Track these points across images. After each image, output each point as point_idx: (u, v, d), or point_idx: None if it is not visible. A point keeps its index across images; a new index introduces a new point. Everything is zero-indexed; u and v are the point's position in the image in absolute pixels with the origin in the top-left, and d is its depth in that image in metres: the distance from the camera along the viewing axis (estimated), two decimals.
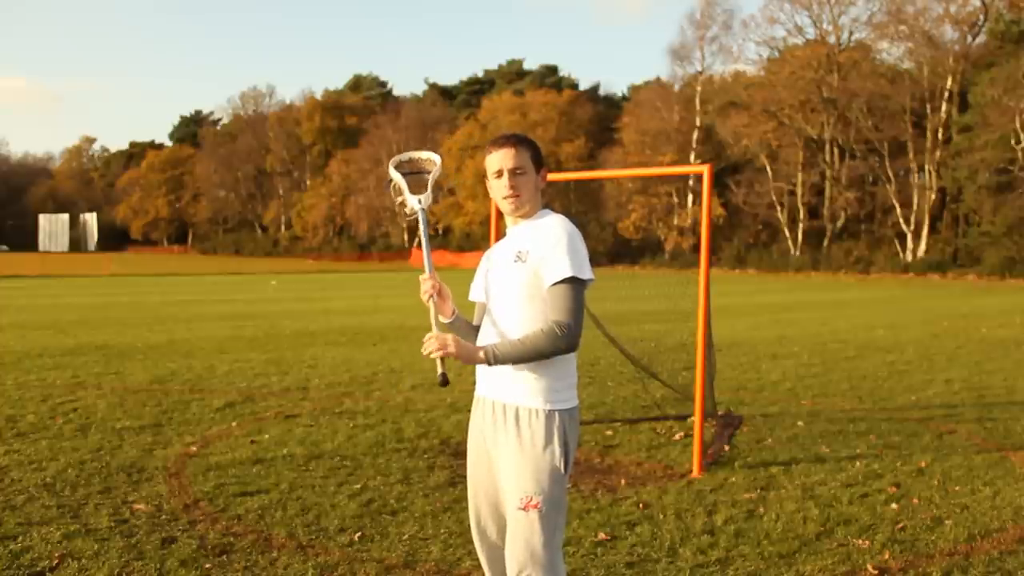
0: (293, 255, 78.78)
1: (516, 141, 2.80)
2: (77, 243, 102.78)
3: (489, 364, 2.65)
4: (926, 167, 49.11)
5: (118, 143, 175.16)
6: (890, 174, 49.87)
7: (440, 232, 72.70)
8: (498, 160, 2.77)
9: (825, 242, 52.08)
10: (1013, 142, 42.98)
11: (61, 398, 7.94)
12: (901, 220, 49.53)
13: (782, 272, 49.91)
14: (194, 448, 6.10)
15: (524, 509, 2.62)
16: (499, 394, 2.74)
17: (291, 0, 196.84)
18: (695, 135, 57.16)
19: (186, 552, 4.06)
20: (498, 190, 2.79)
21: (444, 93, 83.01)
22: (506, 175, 2.75)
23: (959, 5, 48.42)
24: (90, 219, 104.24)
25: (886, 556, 4.16)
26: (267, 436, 6.52)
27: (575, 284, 2.62)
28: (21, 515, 4.56)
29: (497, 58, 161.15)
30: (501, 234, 3.02)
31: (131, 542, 4.18)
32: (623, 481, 5.41)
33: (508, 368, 2.69)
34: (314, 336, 13.73)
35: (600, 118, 65.74)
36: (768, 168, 53.65)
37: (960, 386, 9.29)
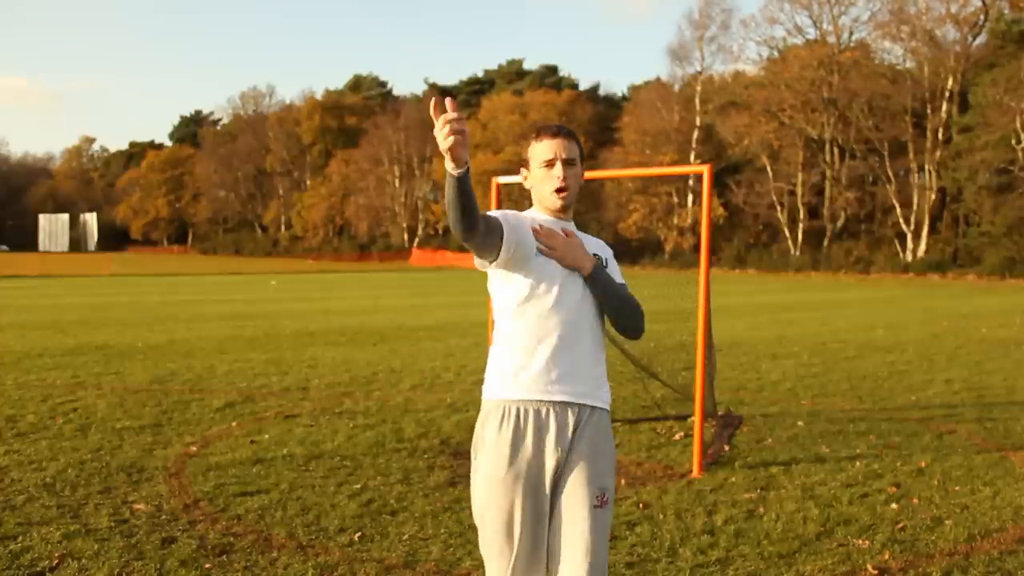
0: (293, 255, 78.80)
1: (569, 133, 2.63)
2: (77, 243, 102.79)
3: (589, 276, 2.58)
4: (926, 167, 49.12)
5: (118, 143, 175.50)
6: (890, 174, 49.88)
7: (440, 232, 72.76)
8: (551, 148, 2.59)
9: (825, 242, 52.08)
10: (1013, 142, 42.98)
11: (61, 398, 7.94)
12: (901, 220, 49.54)
13: (782, 272, 49.91)
14: (194, 448, 6.10)
15: (600, 506, 2.53)
16: (568, 396, 2.53)
17: (291, 0, 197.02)
18: (695, 135, 57.18)
19: (186, 552, 4.06)
20: (547, 180, 2.60)
21: (444, 93, 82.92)
22: (559, 165, 2.59)
23: (960, 5, 48.46)
24: (90, 219, 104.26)
25: (886, 556, 4.16)
26: (267, 436, 6.52)
27: None
28: (21, 515, 4.56)
29: (497, 58, 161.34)
30: None
31: (131, 542, 4.18)
32: (623, 481, 5.41)
33: (580, 371, 2.55)
34: (314, 336, 13.73)
35: (600, 118, 65.79)
36: (768, 168, 53.67)
37: (960, 386, 9.29)
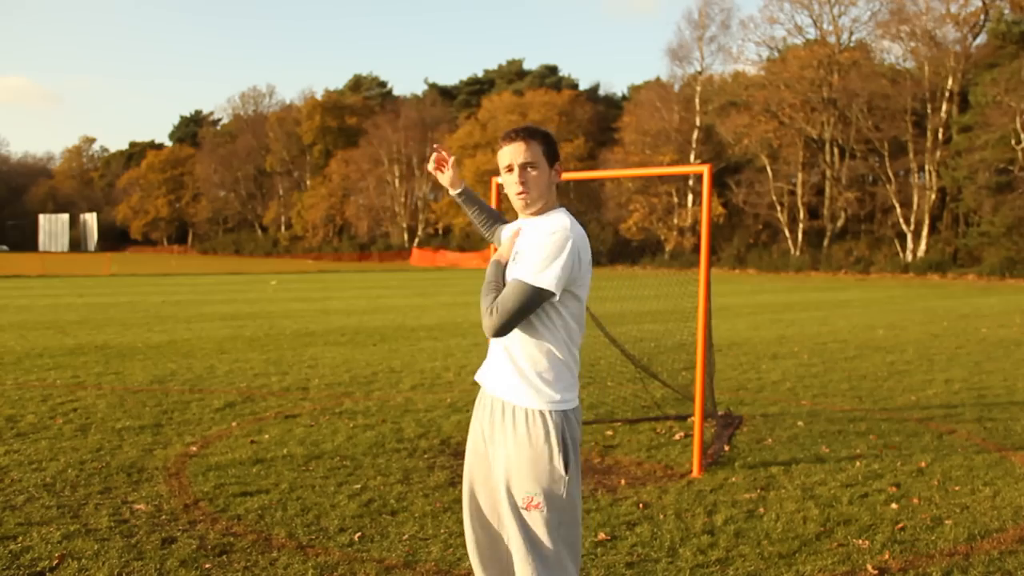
0: (293, 255, 78.80)
1: (527, 135, 2.70)
2: (77, 243, 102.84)
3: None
4: (926, 167, 49.09)
5: (118, 143, 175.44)
6: (890, 174, 49.86)
7: (440, 232, 72.78)
8: (509, 154, 2.69)
9: (825, 242, 52.06)
10: (1013, 142, 42.96)
11: (61, 398, 7.94)
12: (901, 220, 49.53)
13: (782, 272, 49.89)
14: (194, 448, 6.10)
15: (526, 509, 2.62)
16: (500, 391, 2.72)
17: (291, 0, 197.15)
18: (695, 135, 57.18)
19: (186, 552, 4.06)
20: (509, 185, 2.73)
21: (444, 93, 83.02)
22: (516, 170, 2.68)
23: (960, 5, 48.43)
24: (90, 219, 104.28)
25: (886, 556, 4.16)
26: (267, 436, 6.52)
27: (524, 287, 2.56)
28: (21, 515, 4.56)
29: (497, 58, 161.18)
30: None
31: (131, 542, 4.18)
32: (623, 481, 5.41)
33: (509, 367, 2.69)
34: (314, 336, 13.73)
35: (600, 118, 65.75)
36: (768, 168, 53.65)
37: (960, 386, 9.29)
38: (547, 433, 2.63)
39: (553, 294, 2.58)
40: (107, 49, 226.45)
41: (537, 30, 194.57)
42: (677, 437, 6.63)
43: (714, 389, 7.18)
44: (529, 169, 2.68)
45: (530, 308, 2.58)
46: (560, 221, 2.65)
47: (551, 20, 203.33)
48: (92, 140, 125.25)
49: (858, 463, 5.91)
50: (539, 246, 2.60)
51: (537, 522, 2.62)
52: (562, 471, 2.63)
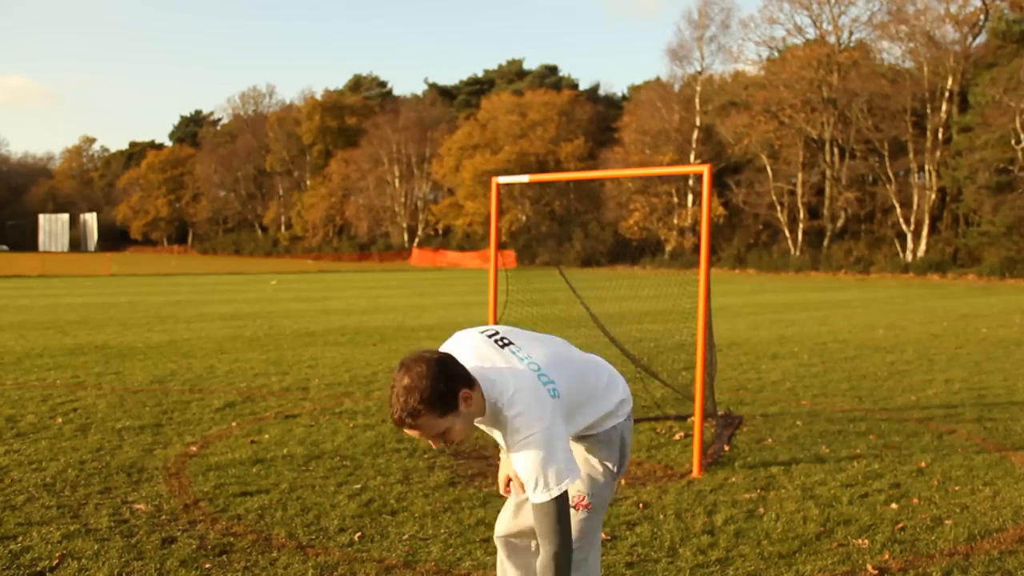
0: (293, 255, 78.78)
1: (403, 419, 2.36)
2: (77, 243, 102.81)
3: None
4: (926, 167, 49.08)
5: (118, 143, 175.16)
6: (890, 174, 49.84)
7: (440, 232, 72.81)
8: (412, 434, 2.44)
9: (825, 242, 52.04)
10: (1013, 142, 42.94)
11: (61, 398, 7.94)
12: (901, 220, 49.52)
13: (782, 272, 49.88)
14: (194, 448, 6.11)
15: (575, 508, 2.61)
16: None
17: (291, 0, 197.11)
18: (695, 135, 57.17)
19: (186, 552, 4.06)
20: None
21: (444, 93, 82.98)
22: (431, 441, 2.46)
23: (960, 5, 48.43)
24: (90, 219, 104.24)
25: (886, 556, 4.17)
26: (267, 436, 6.52)
27: (555, 500, 2.35)
28: (21, 515, 4.56)
29: (497, 58, 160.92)
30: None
31: (131, 542, 4.18)
32: (623, 481, 5.41)
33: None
34: (314, 336, 13.73)
35: (600, 118, 65.71)
36: (768, 168, 53.64)
37: (960, 386, 9.29)
38: (609, 441, 2.71)
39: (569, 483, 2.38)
40: (107, 49, 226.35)
41: (537, 30, 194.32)
42: (677, 437, 6.63)
43: (714, 389, 7.18)
44: (435, 435, 2.42)
45: (567, 512, 2.39)
46: (528, 416, 2.39)
47: (551, 20, 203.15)
48: (92, 140, 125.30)
49: (858, 463, 5.91)
50: (531, 457, 2.35)
51: (582, 521, 2.63)
52: (614, 470, 2.72)
